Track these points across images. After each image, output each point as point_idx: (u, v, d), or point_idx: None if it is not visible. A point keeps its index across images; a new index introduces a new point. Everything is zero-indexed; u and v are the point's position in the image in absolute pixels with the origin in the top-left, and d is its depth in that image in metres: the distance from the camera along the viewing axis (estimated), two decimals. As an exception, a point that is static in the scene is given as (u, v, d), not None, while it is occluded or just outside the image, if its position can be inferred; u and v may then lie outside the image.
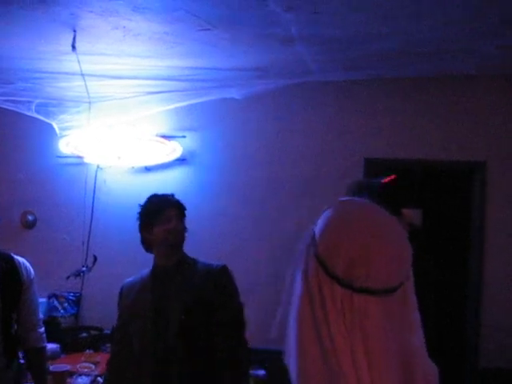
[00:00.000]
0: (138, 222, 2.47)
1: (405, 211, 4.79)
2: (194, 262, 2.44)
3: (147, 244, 2.46)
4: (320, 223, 1.03)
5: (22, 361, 2.83)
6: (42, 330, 2.79)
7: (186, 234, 2.44)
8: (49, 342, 2.97)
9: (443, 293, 4.14)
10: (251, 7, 2.54)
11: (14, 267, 2.70)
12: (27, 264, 2.79)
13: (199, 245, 3.93)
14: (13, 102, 3.92)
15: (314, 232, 1.03)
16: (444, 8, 2.53)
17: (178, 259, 2.40)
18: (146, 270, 2.48)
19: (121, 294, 2.49)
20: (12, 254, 2.78)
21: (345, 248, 0.95)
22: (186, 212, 2.50)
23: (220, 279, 2.40)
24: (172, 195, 2.52)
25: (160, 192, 2.55)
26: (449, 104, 3.90)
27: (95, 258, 3.90)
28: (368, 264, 0.94)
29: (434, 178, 4.16)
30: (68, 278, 3.77)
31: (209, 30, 2.82)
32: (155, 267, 2.44)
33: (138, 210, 2.49)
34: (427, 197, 4.11)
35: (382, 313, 0.94)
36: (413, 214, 4.82)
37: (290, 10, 2.56)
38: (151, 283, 2.40)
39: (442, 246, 4.18)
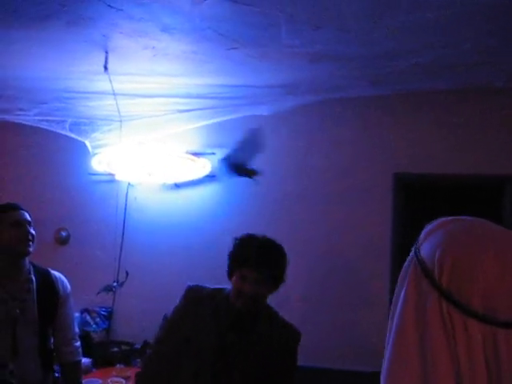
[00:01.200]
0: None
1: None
2: (271, 316, 2.23)
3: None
4: (439, 251, 0.89)
5: (57, 374, 2.87)
6: (78, 344, 2.83)
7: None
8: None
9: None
10: (278, 26, 2.57)
11: (51, 281, 2.76)
12: (63, 279, 2.85)
13: (225, 263, 3.93)
14: (47, 121, 4.02)
15: (424, 261, 0.90)
16: (471, 21, 2.52)
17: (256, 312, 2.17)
18: (219, 293, 2.25)
19: (187, 298, 2.24)
20: (49, 269, 2.84)
21: (484, 280, 0.83)
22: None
23: (293, 349, 2.20)
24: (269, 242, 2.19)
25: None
26: (478, 117, 3.86)
27: (127, 274, 3.96)
28: (509, 293, 0.82)
29: (464, 192, 4.12)
30: (98, 293, 3.82)
31: (237, 48, 2.86)
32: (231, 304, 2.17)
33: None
34: (457, 211, 4.07)
35: None
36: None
37: (317, 28, 2.58)
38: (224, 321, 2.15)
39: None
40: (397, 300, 0.92)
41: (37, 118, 3.96)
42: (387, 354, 0.89)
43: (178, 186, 4.24)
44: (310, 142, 4.09)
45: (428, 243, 0.91)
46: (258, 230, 4.11)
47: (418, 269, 0.90)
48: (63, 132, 4.08)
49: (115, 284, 3.93)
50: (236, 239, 2.21)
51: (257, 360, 2.11)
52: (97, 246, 4.40)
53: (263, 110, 3.94)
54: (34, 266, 2.77)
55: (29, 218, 2.71)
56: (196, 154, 3.99)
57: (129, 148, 3.76)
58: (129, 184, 4.29)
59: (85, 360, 3.62)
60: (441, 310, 0.84)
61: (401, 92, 3.81)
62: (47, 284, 2.74)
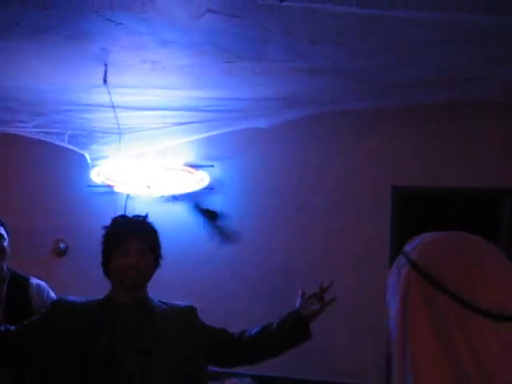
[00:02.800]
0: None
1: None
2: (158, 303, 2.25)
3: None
4: (433, 252, 0.98)
5: None
6: None
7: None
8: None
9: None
10: (276, 40, 2.59)
11: (24, 289, 2.74)
12: (44, 287, 2.82)
13: (225, 273, 3.96)
14: (46, 133, 4.04)
15: (416, 262, 0.98)
16: (470, 34, 2.54)
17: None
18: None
19: (54, 311, 2.19)
20: (29, 278, 2.82)
21: (493, 275, 0.92)
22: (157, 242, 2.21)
23: (195, 317, 2.27)
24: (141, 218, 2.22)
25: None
26: (476, 130, 3.88)
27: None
28: (509, 289, 0.91)
29: (462, 205, 4.13)
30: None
31: (234, 62, 2.88)
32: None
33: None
34: (455, 224, 4.08)
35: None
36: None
37: (315, 42, 2.61)
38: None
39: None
40: (397, 315, 0.97)
41: (36, 130, 3.98)
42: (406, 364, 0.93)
43: (176, 198, 4.25)
44: (308, 154, 4.11)
45: (426, 252, 0.98)
46: (256, 241, 4.15)
47: (417, 277, 0.96)
48: (62, 144, 4.10)
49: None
50: (106, 225, 2.27)
51: (167, 347, 2.11)
52: (95, 258, 4.38)
53: (261, 123, 3.96)
54: (13, 274, 2.76)
55: (2, 232, 2.72)
56: (194, 167, 4.01)
57: (127, 160, 3.79)
58: (127, 196, 4.30)
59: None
60: (453, 312, 0.90)
61: (398, 105, 3.83)
62: (20, 291, 2.72)
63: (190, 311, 2.30)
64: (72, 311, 2.16)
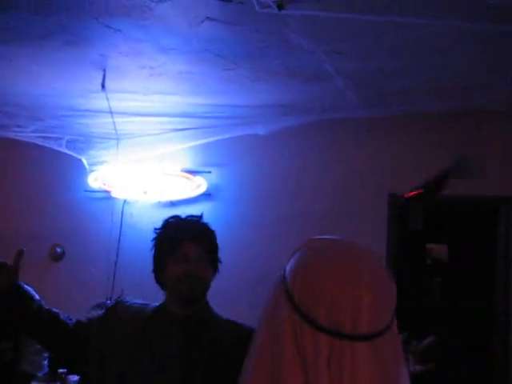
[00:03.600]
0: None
1: (430, 246, 4.77)
2: (217, 317, 1.99)
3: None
4: (294, 267, 0.95)
5: None
6: (41, 359, 2.79)
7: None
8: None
9: (469, 330, 4.08)
10: (274, 48, 2.61)
11: None
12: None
13: (222, 280, 3.93)
14: (44, 138, 4.05)
15: (286, 277, 0.96)
16: (470, 44, 2.55)
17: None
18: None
19: (115, 313, 2.00)
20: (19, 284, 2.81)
21: (329, 294, 0.88)
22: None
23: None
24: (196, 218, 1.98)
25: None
26: (474, 139, 3.89)
27: (122, 292, 3.94)
28: (357, 309, 0.87)
29: (460, 212, 4.14)
30: (91, 310, 3.80)
31: (232, 69, 2.89)
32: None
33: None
34: (453, 232, 4.09)
35: (372, 360, 0.87)
36: (438, 250, 4.78)
37: (313, 50, 2.62)
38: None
39: (467, 281, 4.13)
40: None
41: (34, 134, 3.99)
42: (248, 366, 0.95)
43: (173, 203, 4.25)
44: (306, 161, 4.11)
45: (291, 261, 0.98)
46: (253, 248, 4.14)
47: (281, 285, 0.96)
48: (60, 149, 4.10)
49: (109, 302, 3.92)
50: (159, 228, 1.99)
51: (216, 366, 1.87)
52: (91, 263, 4.40)
53: (258, 130, 3.97)
54: None
55: None
56: (192, 173, 4.01)
57: (125, 166, 3.79)
58: (124, 201, 4.30)
59: (76, 378, 3.60)
60: (293, 324, 0.88)
61: (396, 113, 3.84)
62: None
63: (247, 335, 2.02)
64: (130, 316, 1.95)
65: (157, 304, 2.02)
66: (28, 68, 2.94)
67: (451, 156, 3.90)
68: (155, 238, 1.98)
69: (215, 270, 1.99)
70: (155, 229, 1.99)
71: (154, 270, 1.96)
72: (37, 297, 2.03)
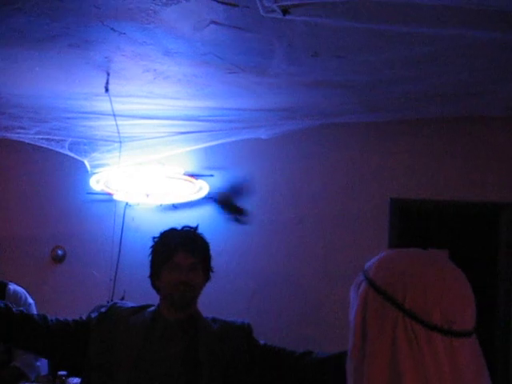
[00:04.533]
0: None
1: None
2: (208, 319, 2.12)
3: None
4: (398, 277, 1.01)
5: None
6: (34, 359, 2.78)
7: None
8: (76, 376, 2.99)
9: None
10: (278, 52, 2.61)
11: (0, 296, 2.73)
12: (21, 295, 2.81)
13: (224, 282, 3.95)
14: (47, 140, 4.05)
15: (383, 287, 1.02)
16: (471, 51, 2.56)
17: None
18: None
19: (108, 315, 2.11)
20: (8, 283, 2.81)
21: (442, 296, 0.97)
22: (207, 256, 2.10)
23: (249, 340, 2.10)
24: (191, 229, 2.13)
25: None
26: (475, 145, 3.90)
27: (124, 294, 3.95)
28: (466, 307, 0.97)
29: (461, 218, 4.14)
30: (91, 312, 3.80)
31: (236, 72, 2.90)
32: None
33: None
34: (454, 237, 4.08)
35: (475, 354, 0.97)
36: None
37: (315, 55, 2.63)
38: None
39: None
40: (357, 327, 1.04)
41: (37, 136, 3.99)
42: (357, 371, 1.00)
43: (175, 207, 4.25)
44: (308, 166, 4.12)
45: (383, 270, 1.04)
46: (255, 252, 4.15)
47: (374, 294, 1.02)
48: (62, 151, 4.10)
49: (107, 304, 3.92)
50: (156, 237, 2.15)
51: (215, 366, 1.99)
52: (93, 265, 4.40)
53: (261, 134, 3.97)
54: None
55: None
56: (194, 176, 4.02)
57: (127, 168, 3.79)
58: (126, 204, 4.31)
59: (77, 380, 3.59)
60: (406, 329, 0.95)
61: (398, 119, 3.86)
62: None
63: (243, 329, 2.13)
64: (124, 318, 2.08)
65: (152, 308, 2.13)
66: (32, 70, 2.94)
67: (452, 161, 3.91)
68: (152, 247, 2.13)
69: (207, 277, 2.14)
70: (153, 237, 2.15)
71: (150, 276, 2.12)
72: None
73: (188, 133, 3.91)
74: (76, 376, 3.43)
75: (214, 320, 2.14)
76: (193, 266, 2.03)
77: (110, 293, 4.14)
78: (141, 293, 4.15)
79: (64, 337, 2.08)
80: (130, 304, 2.21)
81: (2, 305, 2.01)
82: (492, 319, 3.88)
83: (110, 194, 4.12)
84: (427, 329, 0.94)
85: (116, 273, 4.24)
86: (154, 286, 2.14)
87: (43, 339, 2.06)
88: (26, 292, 2.94)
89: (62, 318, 2.15)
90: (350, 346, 1.05)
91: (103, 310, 2.17)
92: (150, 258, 2.13)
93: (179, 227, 2.18)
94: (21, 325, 2.02)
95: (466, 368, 0.94)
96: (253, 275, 4.08)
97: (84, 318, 2.18)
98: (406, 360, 0.93)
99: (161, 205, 4.27)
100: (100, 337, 2.06)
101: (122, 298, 3.88)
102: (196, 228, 2.18)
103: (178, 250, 2.03)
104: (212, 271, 2.17)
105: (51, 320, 2.10)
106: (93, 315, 2.17)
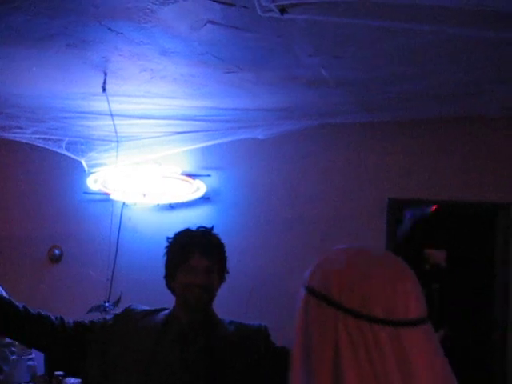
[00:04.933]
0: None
1: (429, 252, 4.77)
2: (224, 321, 2.08)
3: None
4: (332, 277, 1.00)
5: None
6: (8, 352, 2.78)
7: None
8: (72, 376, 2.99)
9: (468, 335, 4.07)
10: (276, 52, 2.61)
11: None
12: None
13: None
14: (44, 139, 4.04)
15: (317, 289, 1.01)
16: (468, 51, 2.56)
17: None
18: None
19: (128, 316, 2.08)
20: None
21: (379, 289, 0.95)
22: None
23: (266, 343, 2.06)
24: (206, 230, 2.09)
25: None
26: (473, 145, 3.90)
27: (121, 294, 3.94)
28: (407, 297, 0.96)
29: (458, 218, 4.15)
30: (88, 312, 3.80)
31: (234, 72, 2.90)
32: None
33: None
34: (451, 238, 4.09)
35: (427, 342, 0.95)
36: (437, 255, 4.78)
37: (314, 55, 2.63)
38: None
39: (465, 287, 4.13)
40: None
41: (34, 136, 3.98)
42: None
43: (172, 207, 4.25)
44: (305, 166, 4.12)
45: (318, 275, 1.03)
46: (252, 252, 4.14)
47: (313, 299, 1.01)
48: (60, 151, 4.10)
49: (107, 304, 3.91)
50: (171, 237, 2.10)
51: (231, 369, 1.97)
52: (90, 265, 4.40)
53: (258, 134, 3.97)
54: None
55: None
56: (191, 176, 4.02)
57: (124, 168, 3.79)
58: (123, 204, 4.31)
59: (74, 380, 3.59)
60: (347, 327, 0.94)
61: (395, 119, 3.86)
62: None
63: (260, 332, 2.09)
64: (136, 322, 2.05)
65: (166, 311, 2.10)
66: (29, 69, 2.94)
67: (450, 161, 3.91)
68: (167, 247, 2.09)
69: (222, 279, 2.10)
70: (167, 238, 2.10)
71: (166, 277, 2.09)
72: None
73: (185, 132, 3.91)
74: (73, 376, 3.43)
75: (231, 322, 2.11)
76: (208, 269, 2.00)
77: (106, 293, 4.13)
78: (138, 292, 4.17)
79: (79, 339, 2.06)
80: (144, 307, 2.17)
81: (21, 307, 2.00)
82: (489, 319, 3.89)
83: (107, 194, 4.12)
84: (370, 322, 0.93)
85: (113, 273, 4.23)
86: (168, 287, 2.11)
87: (60, 340, 2.04)
88: (2, 289, 2.93)
89: (78, 320, 2.13)
90: (292, 357, 1.02)
91: (118, 312, 2.16)
92: (164, 258, 2.10)
93: (194, 228, 2.13)
94: (38, 325, 2.01)
95: (417, 357, 0.92)
96: (250, 275, 4.08)
97: (100, 321, 2.16)
98: (348, 361, 0.92)
99: (158, 204, 4.27)
100: (113, 340, 2.04)
101: (119, 298, 3.88)
102: (211, 229, 2.16)
103: (194, 253, 1.99)
104: (228, 273, 2.14)
105: (68, 322, 2.08)
106: (108, 317, 2.16)
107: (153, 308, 2.16)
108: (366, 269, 0.99)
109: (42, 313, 2.05)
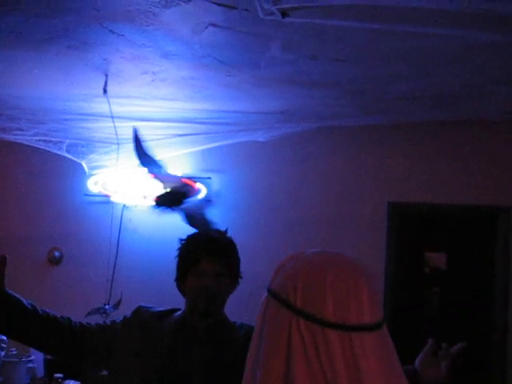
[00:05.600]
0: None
1: (429, 255, 4.77)
2: (234, 323, 2.05)
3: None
4: (289, 279, 1.02)
5: None
6: None
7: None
8: (71, 378, 2.99)
9: (468, 338, 4.07)
10: (277, 54, 2.61)
11: None
12: None
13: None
14: (44, 141, 4.04)
15: (277, 290, 1.02)
16: (468, 53, 2.56)
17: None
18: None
19: (138, 317, 2.04)
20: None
21: (333, 292, 0.95)
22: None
23: None
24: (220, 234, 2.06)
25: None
26: (473, 149, 3.91)
27: (121, 296, 3.93)
28: (359, 302, 0.95)
29: (459, 222, 4.15)
30: (88, 315, 3.79)
31: (234, 75, 2.90)
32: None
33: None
34: (452, 241, 4.09)
35: (380, 348, 0.94)
36: (437, 258, 4.78)
37: (314, 58, 2.63)
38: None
39: (465, 289, 4.13)
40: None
41: (35, 138, 3.98)
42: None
43: (172, 209, 4.24)
44: (305, 169, 4.12)
45: (279, 277, 1.05)
46: (253, 254, 4.13)
47: (271, 300, 1.02)
48: (60, 153, 4.10)
49: (107, 306, 3.90)
50: (183, 240, 2.06)
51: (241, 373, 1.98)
52: (90, 267, 4.39)
53: (259, 137, 3.98)
54: None
55: None
56: (192, 178, 4.01)
57: (125, 170, 3.79)
58: (124, 206, 4.30)
59: (73, 383, 3.59)
60: (299, 329, 0.94)
61: (395, 122, 3.86)
62: None
63: None
64: (149, 324, 2.02)
65: (178, 312, 2.06)
66: (30, 71, 2.94)
67: (450, 165, 3.92)
68: (178, 250, 2.04)
69: (234, 284, 2.09)
70: (179, 240, 2.06)
71: (176, 280, 2.04)
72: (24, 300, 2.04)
73: (186, 135, 3.91)
74: (72, 379, 3.43)
75: (241, 325, 2.08)
76: (218, 273, 1.97)
77: (107, 294, 4.13)
78: (138, 294, 4.16)
79: (87, 341, 2.05)
80: (155, 308, 2.13)
81: (30, 306, 1.99)
82: (489, 321, 3.89)
83: (107, 196, 4.11)
84: (322, 326, 0.93)
85: (113, 274, 4.22)
86: (179, 289, 2.07)
87: (68, 342, 2.03)
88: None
89: (85, 323, 2.12)
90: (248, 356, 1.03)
91: (128, 315, 2.14)
92: (176, 260, 2.05)
93: (206, 231, 2.12)
94: (48, 326, 2.00)
95: (369, 363, 0.91)
96: (250, 277, 4.06)
97: (108, 323, 2.14)
98: (299, 364, 0.92)
99: (158, 207, 4.26)
100: (124, 343, 2.03)
101: (119, 301, 3.87)
102: (225, 232, 2.13)
103: (204, 257, 1.95)
104: (241, 277, 2.13)
105: (75, 323, 2.07)
106: (117, 320, 2.14)
107: (165, 309, 2.13)
108: (321, 272, 0.99)
109: (50, 314, 2.04)
